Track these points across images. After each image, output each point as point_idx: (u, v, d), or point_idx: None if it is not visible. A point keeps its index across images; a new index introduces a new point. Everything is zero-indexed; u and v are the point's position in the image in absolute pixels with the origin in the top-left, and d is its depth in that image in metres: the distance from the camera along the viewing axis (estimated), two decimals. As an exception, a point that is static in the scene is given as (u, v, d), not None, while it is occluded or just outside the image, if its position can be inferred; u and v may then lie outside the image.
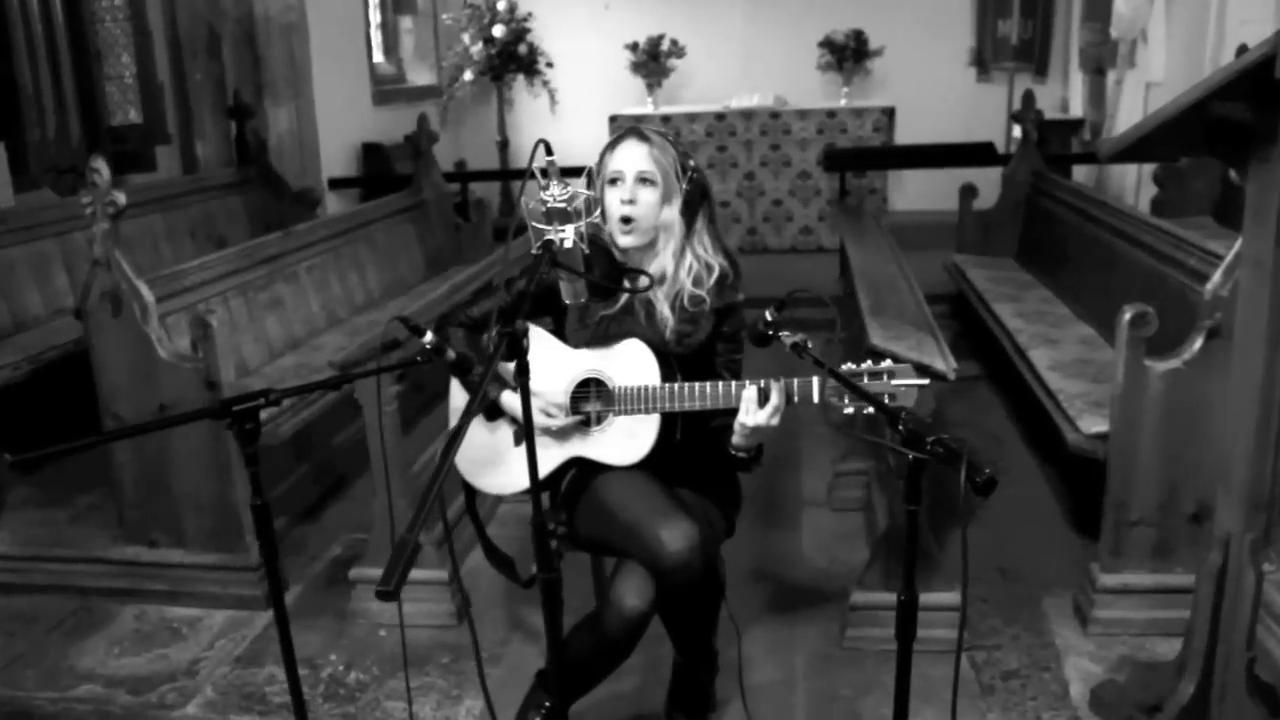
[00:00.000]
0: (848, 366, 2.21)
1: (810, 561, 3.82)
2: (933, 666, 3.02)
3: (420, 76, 9.88)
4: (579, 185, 2.14)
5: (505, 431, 2.57)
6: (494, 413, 2.55)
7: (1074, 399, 3.56)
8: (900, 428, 1.63)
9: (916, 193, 9.56)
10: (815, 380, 2.28)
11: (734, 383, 2.37)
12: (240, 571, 3.61)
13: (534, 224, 2.07)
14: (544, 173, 2.05)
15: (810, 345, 2.10)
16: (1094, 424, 3.33)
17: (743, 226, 8.95)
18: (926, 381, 2.19)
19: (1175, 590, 3.15)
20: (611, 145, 2.57)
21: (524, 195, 2.00)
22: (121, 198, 3.41)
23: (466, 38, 9.63)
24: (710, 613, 2.64)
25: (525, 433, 1.88)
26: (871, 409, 1.96)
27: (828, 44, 9.51)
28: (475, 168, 9.56)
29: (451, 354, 2.30)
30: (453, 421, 2.64)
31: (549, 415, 2.49)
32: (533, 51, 9.68)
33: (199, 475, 3.56)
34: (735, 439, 2.41)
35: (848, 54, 9.45)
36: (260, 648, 3.41)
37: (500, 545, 2.84)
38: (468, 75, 9.69)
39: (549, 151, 2.02)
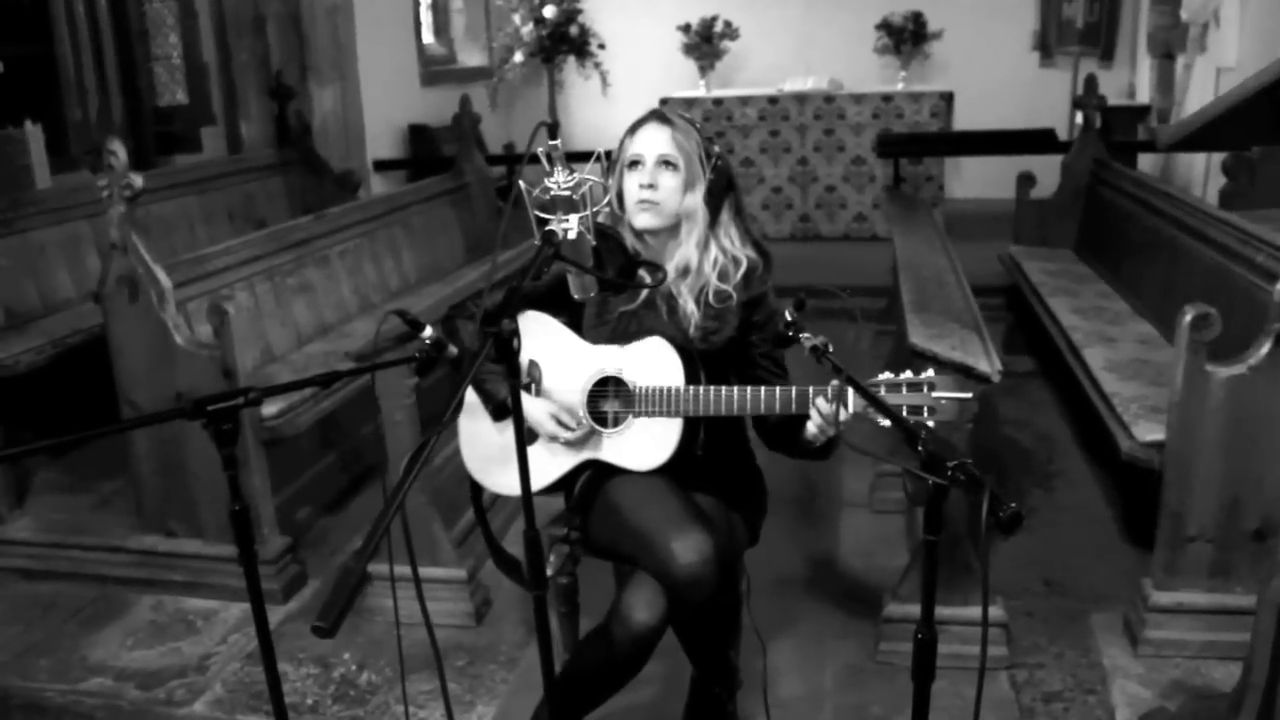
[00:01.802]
0: (885, 376, 2.04)
1: (847, 566, 3.66)
2: (972, 686, 2.84)
3: (471, 57, 9.76)
4: (588, 172, 1.99)
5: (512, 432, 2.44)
6: (503, 413, 2.41)
7: (1129, 403, 3.35)
8: (920, 449, 1.47)
9: (975, 180, 9.28)
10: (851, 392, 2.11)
11: (762, 389, 2.22)
12: (258, 564, 3.52)
13: (536, 213, 1.92)
14: (548, 157, 1.91)
15: (831, 349, 1.93)
16: (1150, 431, 3.12)
17: (795, 213, 8.74)
18: (970, 395, 2.01)
19: (1234, 611, 2.96)
20: (632, 129, 2.42)
21: (519, 179, 1.85)
22: (139, 180, 3.32)
23: (517, 18, 9.51)
24: (726, 628, 2.48)
25: (517, 442, 1.74)
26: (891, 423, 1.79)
27: (885, 26, 9.22)
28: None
29: (453, 350, 2.17)
30: (463, 421, 2.52)
31: (562, 424, 2.35)
32: (584, 33, 9.52)
33: (215, 464, 3.44)
34: (813, 432, 2.24)
35: (906, 36, 9.16)
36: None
37: (514, 546, 2.71)
38: (518, 57, 9.57)
39: (552, 135, 1.88)
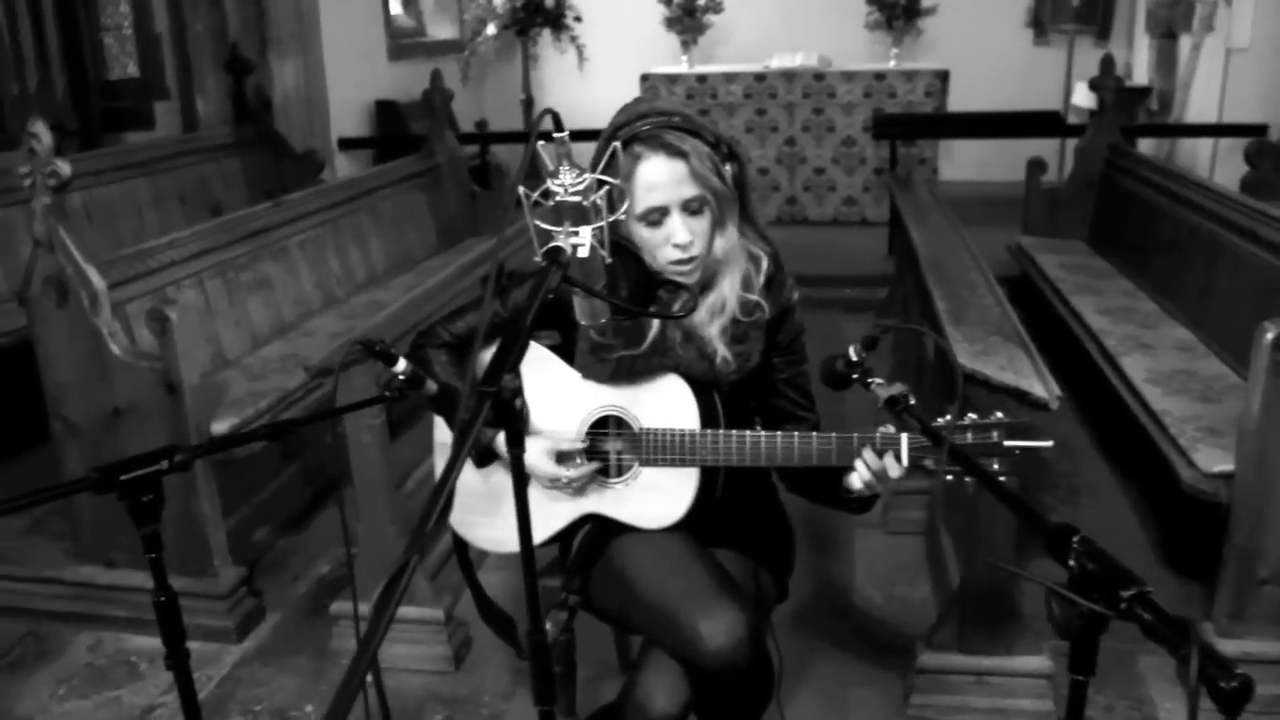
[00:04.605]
0: (948, 419, 1.68)
1: (865, 599, 3.31)
2: (1017, 749, 2.52)
3: (441, 30, 9.29)
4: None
5: (501, 477, 2.06)
6: (486, 457, 2.02)
7: (1183, 424, 3.00)
8: (1071, 562, 1.10)
9: (965, 162, 8.93)
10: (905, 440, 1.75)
11: (795, 437, 1.85)
12: (208, 599, 3.14)
13: (537, 224, 1.53)
14: (553, 150, 1.50)
15: (913, 401, 1.56)
16: (1215, 460, 2.77)
17: (782, 195, 8.37)
18: (1050, 444, 1.66)
19: (1310, 662, 2.64)
20: (633, 160, 1.86)
21: (516, 181, 1.46)
22: (66, 168, 2.90)
23: (490, -11, 9.08)
24: (757, 710, 2.12)
25: (520, 521, 1.37)
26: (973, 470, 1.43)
27: (877, 1, 8.84)
28: (497, 129, 8.96)
29: (432, 386, 1.79)
30: (438, 462, 2.14)
31: (560, 463, 1.97)
32: (560, 4, 9.10)
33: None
34: (858, 487, 1.90)
35: (898, 12, 8.78)
36: (226, 692, 2.94)
37: (501, 598, 2.33)
38: (491, 29, 9.13)
39: (558, 126, 1.48)
